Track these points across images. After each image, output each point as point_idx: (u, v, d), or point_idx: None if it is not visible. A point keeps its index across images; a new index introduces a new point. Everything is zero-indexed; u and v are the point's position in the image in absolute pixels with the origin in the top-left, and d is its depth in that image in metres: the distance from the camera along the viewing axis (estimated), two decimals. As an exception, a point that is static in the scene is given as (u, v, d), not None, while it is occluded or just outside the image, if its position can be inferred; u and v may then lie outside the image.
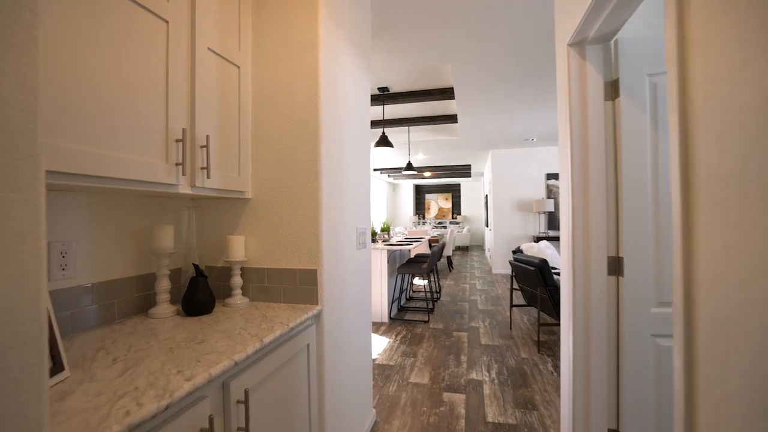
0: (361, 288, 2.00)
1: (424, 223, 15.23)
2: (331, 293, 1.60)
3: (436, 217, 15.65)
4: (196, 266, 1.42)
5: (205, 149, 1.27)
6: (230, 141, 1.45)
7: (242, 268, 1.60)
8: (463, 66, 3.59)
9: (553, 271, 3.82)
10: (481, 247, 13.84)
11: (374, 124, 5.98)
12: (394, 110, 5.49)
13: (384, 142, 4.28)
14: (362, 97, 2.04)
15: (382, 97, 4.65)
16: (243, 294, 1.60)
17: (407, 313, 4.71)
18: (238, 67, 1.50)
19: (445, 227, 15.19)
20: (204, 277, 1.42)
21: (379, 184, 13.37)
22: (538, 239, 7.29)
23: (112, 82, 0.98)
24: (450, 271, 8.27)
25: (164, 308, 1.37)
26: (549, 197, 7.81)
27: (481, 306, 5.11)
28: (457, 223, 15.11)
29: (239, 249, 1.52)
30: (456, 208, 15.48)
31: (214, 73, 1.35)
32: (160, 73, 1.12)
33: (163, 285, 1.38)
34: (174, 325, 1.25)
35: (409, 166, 6.14)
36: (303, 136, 1.53)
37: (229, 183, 1.43)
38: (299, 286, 1.53)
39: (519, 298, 5.45)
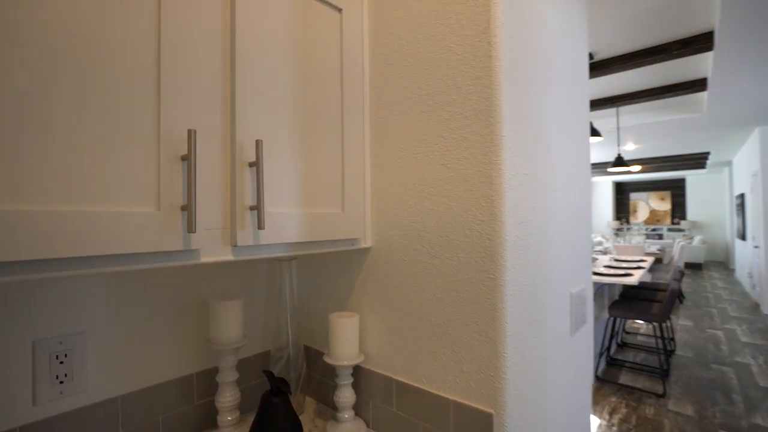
0: (578, 400, 1.05)
1: (628, 230, 12.05)
2: (523, 455, 0.74)
3: (647, 222, 12.15)
4: (268, 374, 0.81)
5: (255, 169, 0.63)
6: (323, 149, 0.77)
7: (356, 368, 0.92)
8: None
9: None
10: (722, 265, 9.92)
11: (566, 109, 4.64)
12: (597, 87, 4.05)
13: (591, 131, 3.04)
14: (577, 51, 1.09)
15: (582, 68, 3.37)
16: (357, 413, 0.91)
17: (622, 372, 3.28)
18: (339, 11, 0.82)
19: (660, 236, 11.61)
20: (282, 395, 0.80)
21: (566, 183, 11.21)
22: None
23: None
24: (680, 301, 5.91)
25: (225, 441, 0.81)
26: None
27: (761, 380, 3.16)
28: (680, 231, 11.32)
29: (349, 342, 0.84)
30: (678, 210, 11.64)
31: (282, 17, 0.70)
32: (136, 14, 0.52)
33: (227, 399, 0.82)
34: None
35: (620, 161, 4.51)
36: (463, 127, 0.73)
37: (323, 227, 0.75)
38: (453, 437, 0.73)
39: None
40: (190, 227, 0.52)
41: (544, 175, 0.85)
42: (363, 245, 0.86)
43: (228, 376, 0.82)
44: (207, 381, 0.90)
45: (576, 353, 1.05)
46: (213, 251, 0.59)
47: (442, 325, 0.76)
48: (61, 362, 0.70)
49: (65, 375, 0.71)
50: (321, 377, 1.01)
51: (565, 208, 0.97)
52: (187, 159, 0.52)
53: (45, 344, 0.69)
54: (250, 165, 0.62)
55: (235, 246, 0.61)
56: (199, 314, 0.90)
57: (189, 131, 0.52)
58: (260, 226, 0.60)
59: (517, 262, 0.72)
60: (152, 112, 0.52)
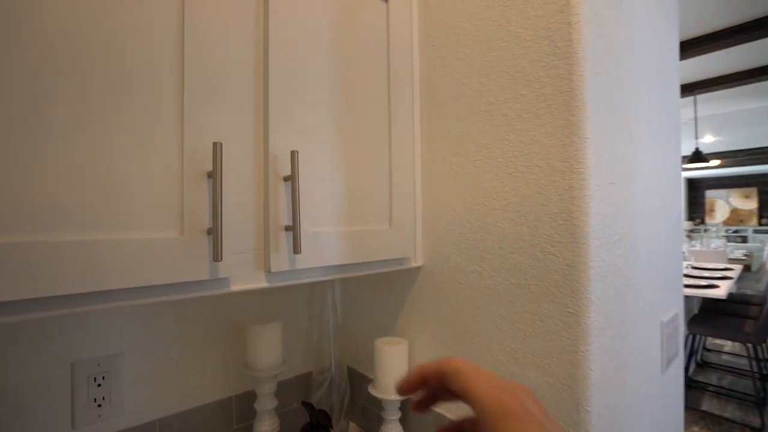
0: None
1: (705, 231, 10.83)
2: None
3: (726, 223, 10.84)
4: (308, 406, 0.74)
5: (290, 184, 0.55)
6: (368, 156, 0.69)
7: (406, 400, 0.82)
8: None
9: None
10: (826, 274, 8.55)
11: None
12: (671, 73, 3.62)
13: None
14: (667, 31, 0.91)
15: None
16: (406, 452, 0.82)
17: (705, 397, 2.89)
18: (386, 1, 0.72)
19: (744, 239, 10.30)
20: (323, 430, 0.72)
21: (630, 180, 10.30)
22: None
23: None
24: (773, 316, 5.15)
25: (263, 474, 0.75)
26: None
27: None
28: (770, 233, 9.95)
29: (397, 372, 0.75)
30: (767, 209, 10.25)
31: (321, 8, 0.62)
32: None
33: (264, 428, 0.76)
34: None
35: (697, 156, 4.01)
36: (534, 128, 0.60)
37: (368, 246, 0.66)
38: (521, 499, 0.61)
39: None
40: (216, 255, 0.45)
41: (634, 182, 0.69)
42: (413, 264, 0.77)
43: (266, 403, 0.76)
44: (247, 404, 0.85)
45: (667, 392, 0.88)
46: (244, 278, 0.53)
47: (507, 363, 0.64)
48: (99, 385, 0.68)
49: (103, 398, 0.68)
50: (366, 404, 0.93)
51: (655, 220, 0.80)
52: (213, 177, 0.45)
53: (83, 366, 0.66)
54: (285, 179, 0.55)
55: (270, 272, 0.54)
56: (238, 335, 0.85)
57: (214, 144, 0.45)
58: (296, 249, 0.53)
59: (604, 293, 0.58)
60: (175, 121, 0.46)
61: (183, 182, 0.46)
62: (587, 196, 0.55)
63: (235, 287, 0.52)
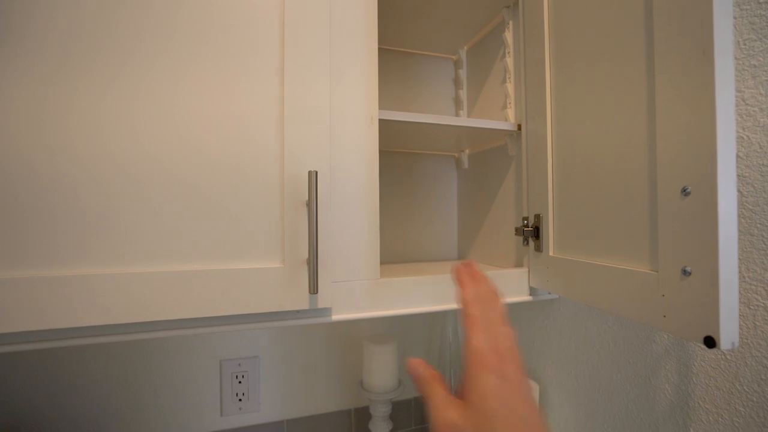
0: None
1: None
2: None
3: None
4: (422, 443, 0.68)
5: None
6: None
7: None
8: None
9: None
10: None
11: None
12: None
13: None
14: None
15: None
16: None
17: None
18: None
19: None
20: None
21: None
22: None
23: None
24: None
25: (377, 498, 0.73)
26: None
27: None
28: None
29: None
30: None
31: None
32: None
33: (380, 451, 0.74)
34: None
35: None
36: None
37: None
38: None
39: None
40: (312, 287, 0.43)
41: None
42: (545, 297, 0.63)
43: (380, 426, 0.74)
44: (364, 418, 0.85)
45: None
46: (348, 307, 0.50)
47: None
48: (239, 382, 0.76)
49: (243, 394, 0.77)
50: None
51: None
52: (309, 206, 0.44)
53: (228, 364, 0.76)
54: (388, 202, 0.50)
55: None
56: (358, 349, 0.85)
57: (309, 173, 0.43)
58: (397, 281, 0.47)
59: None
60: (276, 144, 0.46)
61: (284, 211, 0.46)
62: None
63: (338, 317, 0.50)
